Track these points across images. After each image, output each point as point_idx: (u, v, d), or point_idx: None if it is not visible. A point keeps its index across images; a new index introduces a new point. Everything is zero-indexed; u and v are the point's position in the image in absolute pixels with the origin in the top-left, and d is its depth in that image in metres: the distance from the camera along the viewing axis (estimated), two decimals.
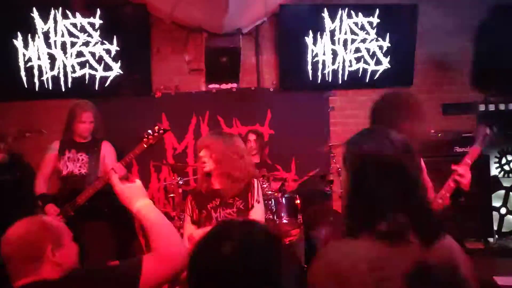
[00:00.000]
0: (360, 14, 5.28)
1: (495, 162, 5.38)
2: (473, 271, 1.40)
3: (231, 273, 1.11)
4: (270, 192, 4.18)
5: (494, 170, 5.34)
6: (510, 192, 5.34)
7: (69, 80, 4.95)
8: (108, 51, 4.98)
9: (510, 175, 5.39)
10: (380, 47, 5.37)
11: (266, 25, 5.36)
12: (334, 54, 5.30)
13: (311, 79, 5.29)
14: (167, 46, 5.26)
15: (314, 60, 5.27)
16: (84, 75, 4.97)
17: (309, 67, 5.27)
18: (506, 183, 5.35)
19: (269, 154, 4.91)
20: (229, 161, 2.73)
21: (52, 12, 4.85)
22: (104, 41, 4.95)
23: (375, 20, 5.31)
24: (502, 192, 5.33)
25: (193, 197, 2.84)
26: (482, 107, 5.41)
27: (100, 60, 4.97)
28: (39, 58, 4.89)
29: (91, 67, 4.97)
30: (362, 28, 5.32)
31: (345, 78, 5.34)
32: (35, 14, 4.82)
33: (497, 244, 5.09)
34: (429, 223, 1.34)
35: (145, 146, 3.52)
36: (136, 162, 4.82)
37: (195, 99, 5.23)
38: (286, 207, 4.14)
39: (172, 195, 4.53)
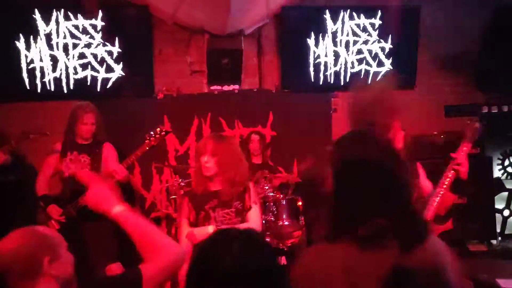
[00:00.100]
0: (362, 15, 5.28)
1: (498, 164, 5.35)
2: (461, 275, 1.38)
3: (231, 284, 1.11)
4: (271, 194, 4.17)
5: (497, 172, 5.32)
6: None
7: (71, 81, 4.95)
8: (110, 53, 4.98)
9: None
10: (382, 49, 5.36)
11: (268, 26, 5.36)
12: (336, 55, 5.30)
13: (313, 80, 5.29)
14: (169, 47, 5.26)
15: (316, 62, 5.27)
16: (86, 77, 4.97)
17: (311, 68, 5.27)
18: (509, 185, 5.33)
19: (271, 155, 4.90)
20: (231, 165, 2.76)
21: (54, 13, 4.86)
22: (106, 42, 4.96)
23: (377, 21, 5.30)
24: (505, 194, 5.31)
25: (190, 199, 2.84)
26: (484, 109, 5.39)
27: (102, 61, 4.98)
28: (41, 60, 4.89)
29: (93, 68, 4.98)
30: (364, 29, 5.32)
31: (347, 80, 5.33)
32: (37, 16, 4.83)
33: (500, 246, 5.07)
34: (411, 228, 1.32)
35: (147, 147, 3.53)
36: (138, 163, 4.81)
37: (197, 101, 5.23)
38: (287, 209, 4.12)
39: (174, 196, 4.52)
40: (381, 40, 5.33)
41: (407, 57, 5.37)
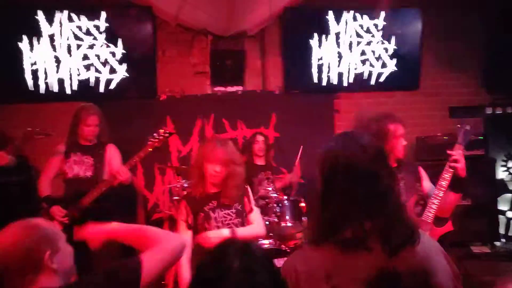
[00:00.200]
0: (365, 16, 5.27)
1: (502, 166, 5.33)
2: (458, 278, 1.37)
3: None
4: (274, 195, 4.17)
5: (500, 174, 5.30)
6: None
7: (74, 82, 4.96)
8: (113, 54, 4.98)
9: None
10: (386, 50, 5.35)
11: (271, 27, 5.35)
12: (339, 56, 5.29)
13: (316, 81, 5.28)
14: (172, 48, 5.26)
15: (319, 63, 5.26)
16: (89, 78, 4.98)
17: (314, 69, 5.26)
18: None
19: (274, 156, 4.89)
20: (236, 171, 2.81)
21: (57, 15, 4.86)
22: (109, 43, 4.96)
23: (380, 22, 5.29)
24: (509, 195, 5.28)
25: (188, 202, 2.84)
26: (489, 110, 5.37)
27: (105, 62, 4.98)
28: (44, 61, 4.90)
29: (96, 69, 4.98)
30: (368, 30, 5.31)
31: (350, 81, 5.32)
32: (40, 17, 4.83)
33: (503, 248, 5.04)
34: (397, 232, 1.30)
35: (150, 149, 3.53)
36: (141, 165, 4.82)
37: (200, 102, 5.22)
38: (290, 210, 4.12)
39: (176, 198, 4.52)
40: (384, 41, 5.32)
41: (410, 58, 5.35)
